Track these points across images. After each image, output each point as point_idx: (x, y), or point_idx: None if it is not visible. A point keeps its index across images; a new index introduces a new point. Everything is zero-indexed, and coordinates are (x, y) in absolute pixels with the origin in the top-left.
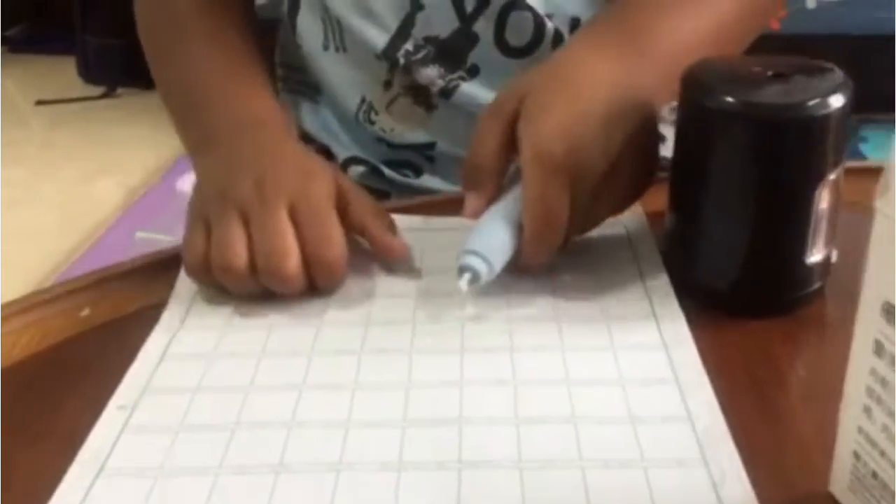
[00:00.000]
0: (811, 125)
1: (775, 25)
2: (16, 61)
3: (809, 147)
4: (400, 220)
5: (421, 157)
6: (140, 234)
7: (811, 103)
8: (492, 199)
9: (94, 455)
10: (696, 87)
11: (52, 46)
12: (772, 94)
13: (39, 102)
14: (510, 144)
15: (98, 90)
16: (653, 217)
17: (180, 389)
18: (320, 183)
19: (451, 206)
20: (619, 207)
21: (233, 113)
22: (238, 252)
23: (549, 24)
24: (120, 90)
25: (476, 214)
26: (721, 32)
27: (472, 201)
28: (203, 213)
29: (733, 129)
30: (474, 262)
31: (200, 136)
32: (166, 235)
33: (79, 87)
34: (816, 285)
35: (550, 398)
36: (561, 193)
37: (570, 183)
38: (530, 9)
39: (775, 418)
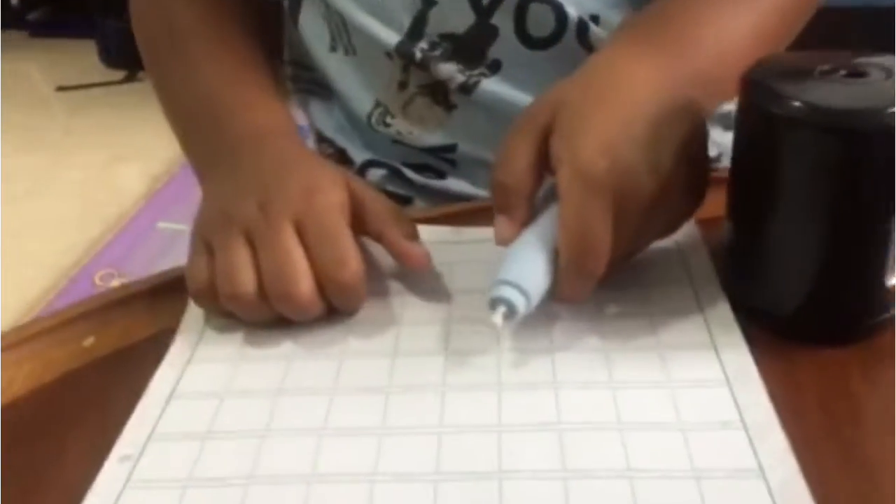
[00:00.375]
0: (892, 135)
1: None
2: (36, 46)
3: (890, 159)
4: (426, 231)
5: (441, 161)
6: (162, 225)
7: (893, 109)
8: (526, 223)
9: None
10: (761, 89)
11: (72, 30)
12: (847, 98)
13: (60, 88)
14: (543, 161)
15: (119, 74)
16: (704, 224)
17: (190, 435)
18: (328, 195)
19: (483, 215)
20: (669, 229)
21: (237, 126)
22: (245, 278)
23: (572, 13)
24: (141, 74)
25: (509, 241)
26: (766, 28)
27: (503, 226)
28: (205, 237)
29: (804, 139)
30: (509, 293)
31: (204, 153)
32: (188, 226)
33: (100, 72)
34: (893, 310)
35: (601, 447)
36: (603, 217)
37: (614, 205)
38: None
39: (859, 470)
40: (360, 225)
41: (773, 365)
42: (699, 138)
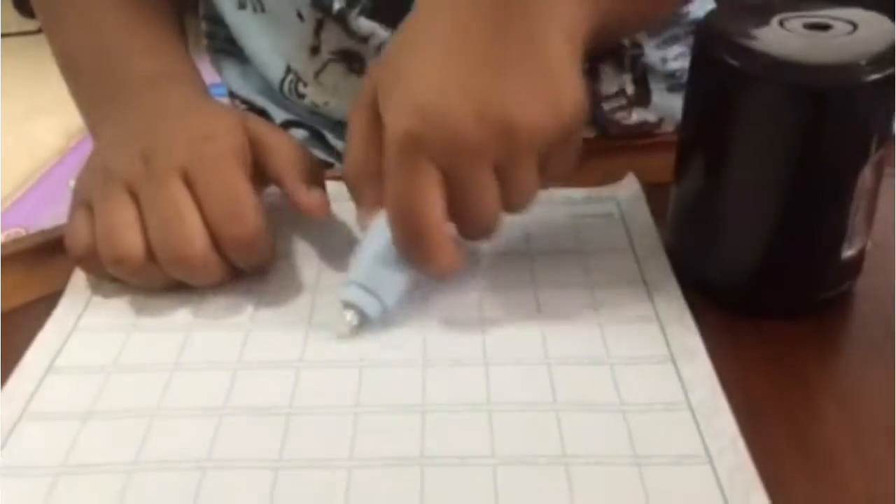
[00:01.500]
0: (858, 93)
1: None
2: None
3: (855, 120)
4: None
5: None
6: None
7: (859, 65)
8: (378, 202)
9: None
10: (715, 40)
11: None
12: (810, 53)
13: None
14: (379, 134)
15: (34, 24)
16: (649, 190)
17: (67, 415)
18: (220, 141)
19: None
20: (543, 184)
21: (128, 72)
22: (129, 240)
23: None
24: None
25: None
26: None
27: (359, 214)
28: (84, 195)
29: (762, 96)
30: (357, 296)
31: (93, 105)
32: None
33: (14, 21)
34: (848, 284)
35: (535, 429)
36: (422, 185)
37: (439, 168)
38: None
39: (812, 454)
40: (262, 170)
41: (719, 341)
42: (556, 70)
